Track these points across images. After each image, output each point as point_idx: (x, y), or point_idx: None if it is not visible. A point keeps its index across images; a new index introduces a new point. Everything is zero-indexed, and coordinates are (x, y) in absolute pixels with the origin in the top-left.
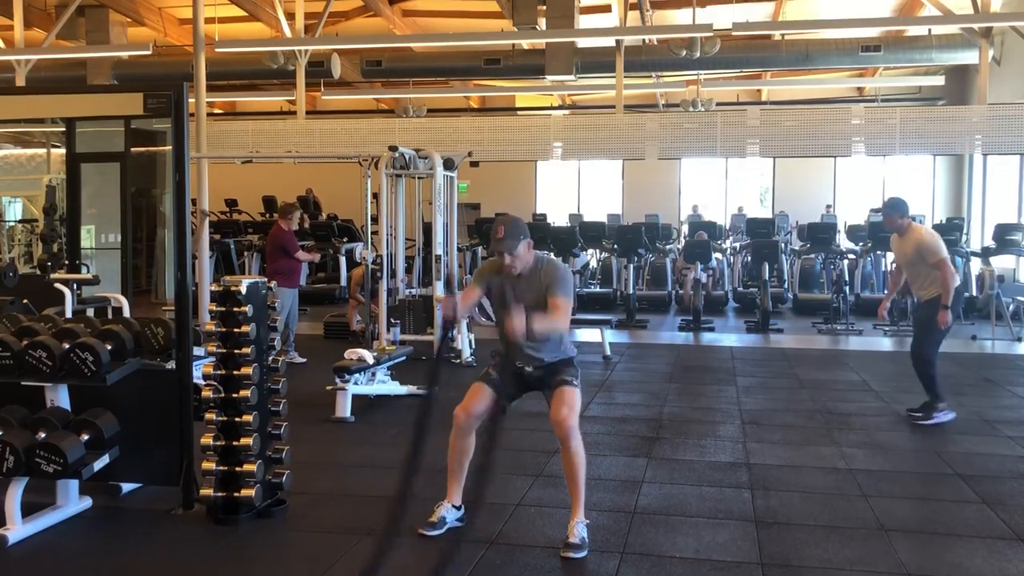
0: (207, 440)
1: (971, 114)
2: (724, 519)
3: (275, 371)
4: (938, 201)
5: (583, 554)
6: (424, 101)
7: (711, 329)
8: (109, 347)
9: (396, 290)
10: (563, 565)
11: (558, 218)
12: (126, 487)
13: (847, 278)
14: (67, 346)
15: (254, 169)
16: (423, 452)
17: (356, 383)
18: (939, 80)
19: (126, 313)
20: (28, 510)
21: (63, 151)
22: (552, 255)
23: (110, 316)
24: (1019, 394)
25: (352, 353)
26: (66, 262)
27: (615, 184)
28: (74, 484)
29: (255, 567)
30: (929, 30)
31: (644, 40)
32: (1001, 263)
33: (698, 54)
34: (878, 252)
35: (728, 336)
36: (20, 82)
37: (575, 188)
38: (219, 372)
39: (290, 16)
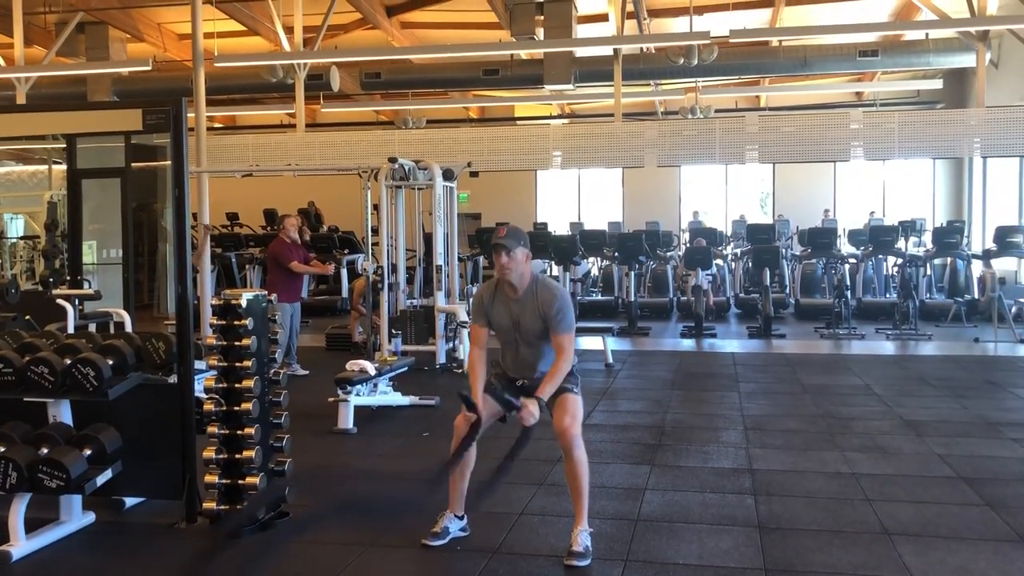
0: (209, 453)
1: (969, 117)
2: (727, 525)
3: (276, 384)
4: (938, 204)
5: (587, 562)
6: (423, 112)
7: (713, 335)
8: (111, 362)
9: (396, 288)
10: (567, 574)
11: (559, 227)
12: (129, 501)
13: (848, 282)
14: (69, 361)
15: (255, 183)
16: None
17: (358, 394)
18: (937, 84)
19: (128, 328)
20: (31, 526)
21: (64, 167)
22: (552, 265)
23: (112, 331)
24: (1022, 396)
25: (354, 364)
26: (68, 278)
27: (615, 192)
28: (77, 499)
29: None
30: (926, 34)
31: (642, 48)
32: (1002, 265)
33: (696, 62)
34: (879, 256)
35: (730, 342)
36: (21, 99)
37: (575, 197)
38: (221, 385)
39: (289, 30)
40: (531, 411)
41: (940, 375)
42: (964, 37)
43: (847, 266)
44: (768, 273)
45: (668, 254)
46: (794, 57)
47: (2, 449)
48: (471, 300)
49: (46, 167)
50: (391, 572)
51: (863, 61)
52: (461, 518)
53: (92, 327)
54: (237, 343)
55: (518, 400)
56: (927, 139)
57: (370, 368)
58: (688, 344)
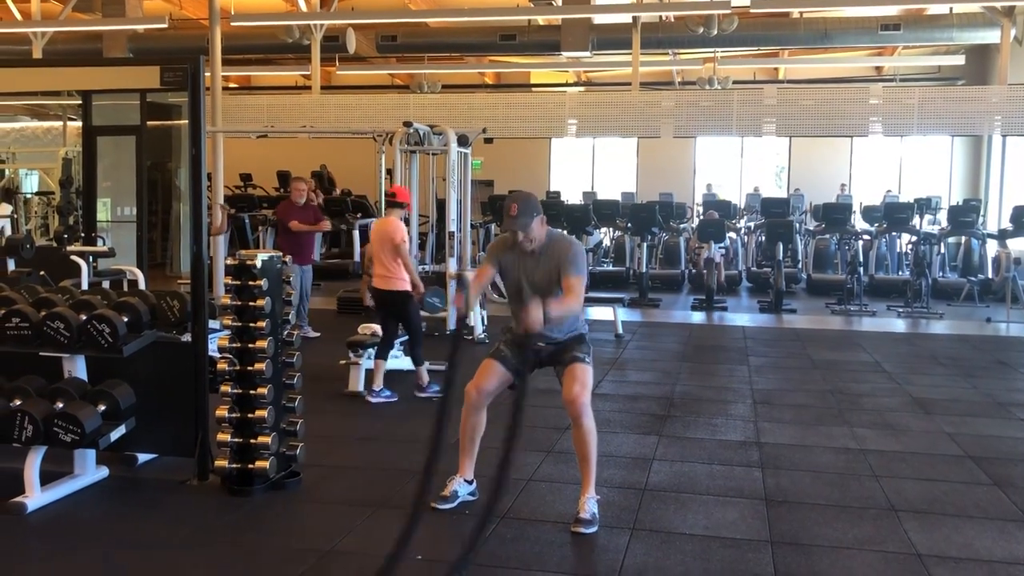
0: (222, 412)
1: (991, 94)
2: (734, 497)
3: (289, 345)
4: (955, 182)
5: (593, 529)
6: (439, 77)
7: (724, 308)
8: (126, 319)
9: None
10: (573, 540)
11: (572, 196)
12: (142, 457)
13: (862, 259)
14: (84, 317)
15: (269, 144)
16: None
17: (369, 358)
18: (959, 59)
19: (142, 286)
20: (46, 479)
21: (79, 124)
22: (565, 232)
23: (126, 289)
24: None
25: (365, 328)
26: (82, 235)
27: (629, 162)
28: (91, 454)
29: (269, 538)
30: (950, 8)
31: (661, 17)
32: (1018, 245)
33: (715, 31)
34: (893, 233)
35: (741, 316)
36: (37, 55)
37: (589, 166)
38: (234, 345)
39: None
40: (536, 313)
41: (951, 354)
42: (989, 12)
43: (861, 242)
44: (781, 247)
45: (681, 226)
46: (815, 29)
47: (18, 402)
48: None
49: (61, 123)
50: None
51: (885, 35)
52: (470, 482)
53: (106, 284)
54: (251, 303)
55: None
56: (947, 116)
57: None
58: (698, 317)
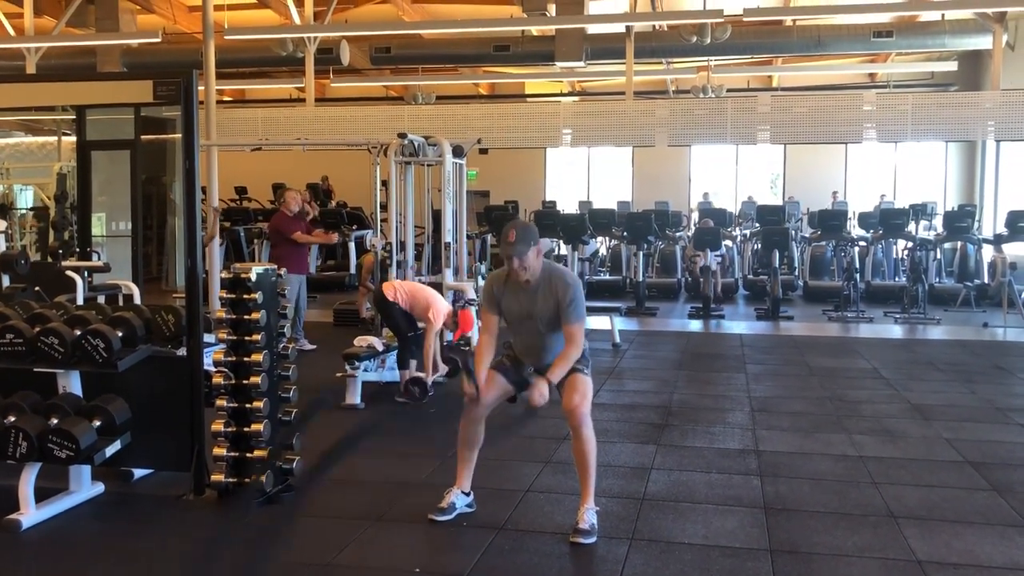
0: (218, 426)
1: (984, 100)
2: (733, 506)
3: (285, 358)
4: (950, 188)
5: (592, 540)
6: (433, 88)
7: (721, 316)
8: (120, 334)
9: (404, 266)
10: (572, 551)
11: (567, 205)
12: (138, 473)
13: (858, 265)
14: (79, 333)
15: (264, 157)
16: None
17: (366, 370)
18: (952, 66)
19: (137, 300)
20: (41, 495)
21: (74, 139)
22: (560, 244)
23: (121, 303)
24: None
25: (362, 340)
26: (77, 250)
27: (625, 171)
28: (86, 470)
29: (265, 552)
30: (942, 15)
31: (654, 26)
32: (1013, 250)
33: (709, 40)
34: (889, 239)
35: (738, 323)
36: (31, 70)
37: (584, 175)
38: (230, 359)
39: (299, 3)
40: (541, 391)
41: (948, 359)
42: (981, 18)
43: (857, 249)
44: (777, 255)
45: (677, 234)
46: (808, 37)
47: (12, 419)
48: (479, 279)
49: (56, 138)
50: (397, 547)
51: (877, 42)
52: (468, 494)
53: (101, 299)
54: (246, 317)
55: (532, 379)
56: (940, 121)
57: (378, 344)
58: (696, 325)
